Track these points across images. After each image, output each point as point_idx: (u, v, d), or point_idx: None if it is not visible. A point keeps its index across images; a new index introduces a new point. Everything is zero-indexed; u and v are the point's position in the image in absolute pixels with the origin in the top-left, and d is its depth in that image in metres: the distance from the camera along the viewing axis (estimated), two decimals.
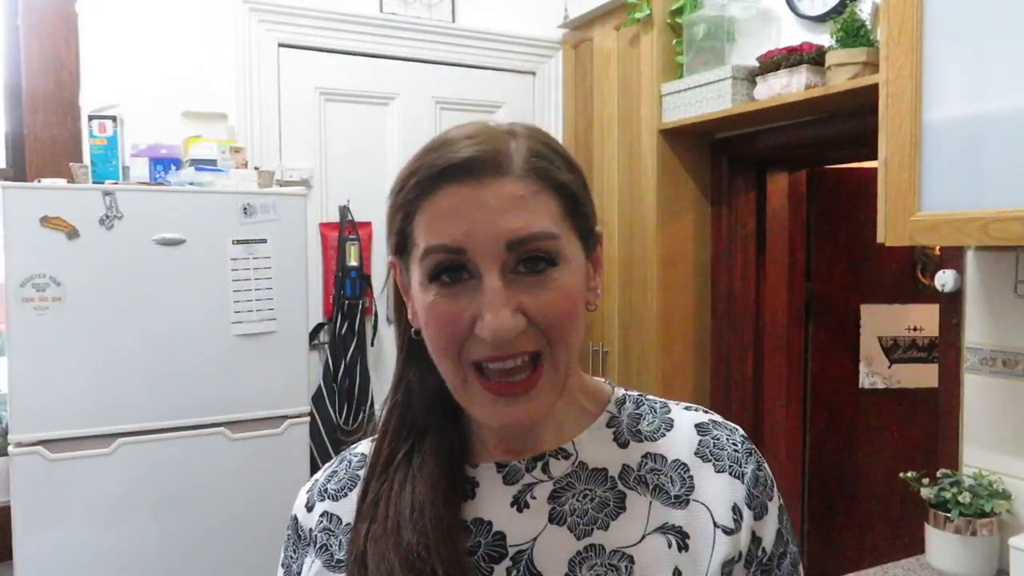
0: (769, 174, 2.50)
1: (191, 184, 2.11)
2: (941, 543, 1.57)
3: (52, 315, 1.89)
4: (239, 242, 2.09)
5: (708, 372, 2.53)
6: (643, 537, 0.62)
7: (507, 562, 0.62)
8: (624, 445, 0.67)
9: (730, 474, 0.65)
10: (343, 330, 2.56)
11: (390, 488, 0.65)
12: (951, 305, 1.73)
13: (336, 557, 0.67)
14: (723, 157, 2.46)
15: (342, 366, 2.55)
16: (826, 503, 2.74)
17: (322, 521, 0.70)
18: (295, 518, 0.73)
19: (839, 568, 2.03)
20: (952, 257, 1.72)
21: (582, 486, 0.65)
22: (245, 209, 2.10)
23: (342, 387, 2.55)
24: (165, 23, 2.39)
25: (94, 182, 2.05)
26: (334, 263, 2.58)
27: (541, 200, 0.59)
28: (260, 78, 2.51)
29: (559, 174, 0.61)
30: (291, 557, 0.73)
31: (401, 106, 2.74)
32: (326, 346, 2.58)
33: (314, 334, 2.53)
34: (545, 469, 0.66)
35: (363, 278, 2.59)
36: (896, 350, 2.71)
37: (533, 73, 2.98)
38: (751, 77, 2.14)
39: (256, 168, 2.33)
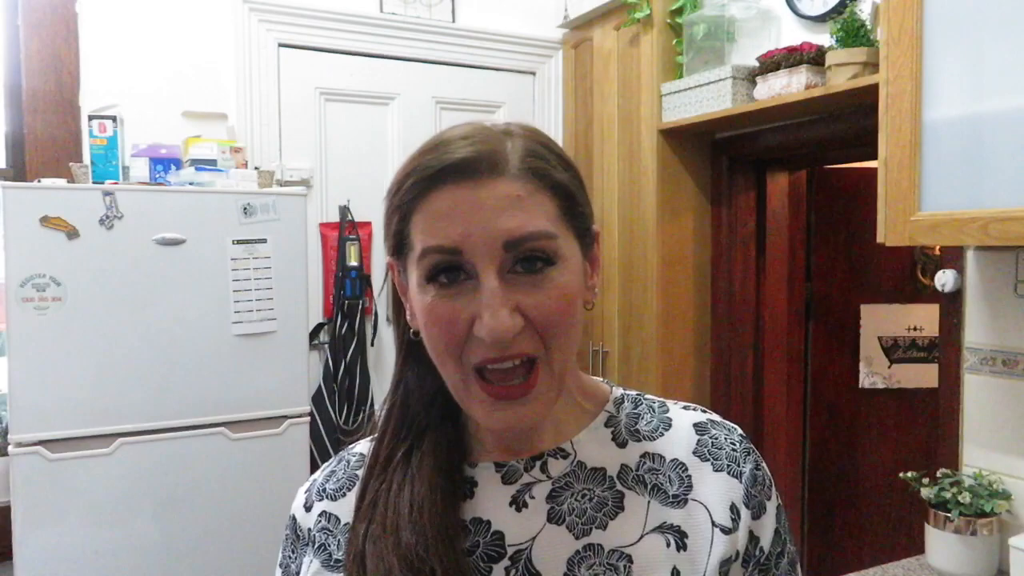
0: (769, 174, 2.49)
1: (191, 184, 2.11)
2: (941, 543, 1.57)
3: (52, 315, 1.89)
4: (239, 242, 2.09)
5: (708, 372, 2.53)
6: (641, 537, 0.62)
7: (506, 562, 0.62)
8: (623, 445, 0.67)
9: (728, 473, 0.65)
10: (343, 330, 2.56)
11: (389, 488, 0.65)
12: (951, 305, 1.73)
13: (334, 557, 0.67)
14: (723, 157, 2.46)
15: (342, 366, 2.55)
16: (826, 503, 2.74)
17: (320, 521, 0.70)
18: (293, 518, 0.73)
19: (839, 568, 2.03)
20: (952, 257, 1.72)
21: (580, 486, 0.65)
22: (245, 209, 2.10)
23: (342, 387, 2.55)
24: (165, 23, 2.39)
25: (94, 182, 2.05)
26: (334, 263, 2.58)
27: (537, 200, 0.59)
28: (260, 78, 2.51)
29: (555, 173, 0.61)
30: (289, 557, 0.73)
31: (401, 106, 2.74)
32: (326, 346, 2.58)
33: (314, 334, 2.53)
34: (544, 469, 0.66)
35: (363, 278, 2.59)
36: (896, 350, 2.71)
37: (533, 73, 2.98)
38: (751, 77, 2.14)
39: (256, 168, 2.33)
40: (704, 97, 2.23)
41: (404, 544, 0.61)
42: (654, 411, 0.70)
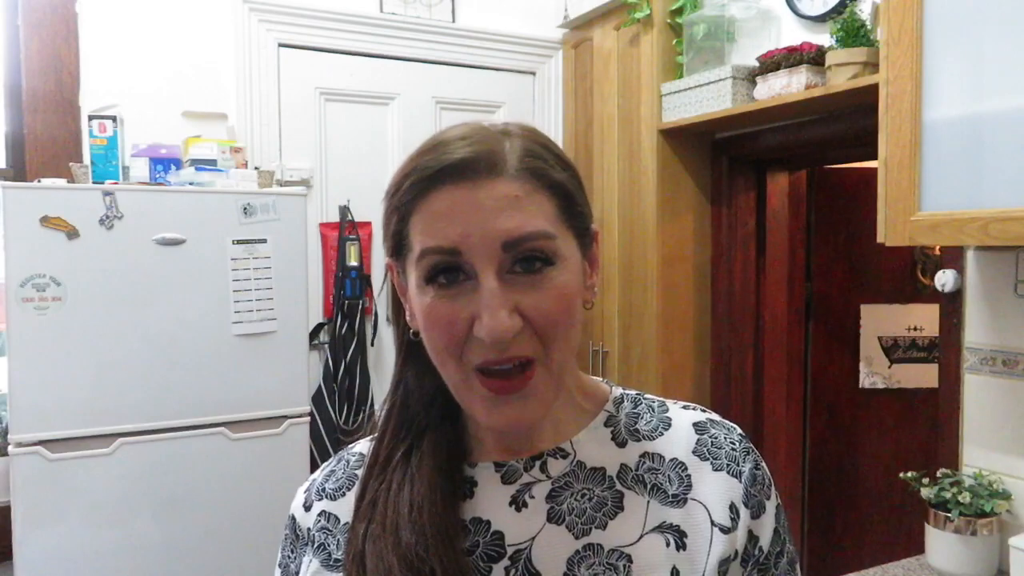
0: (769, 174, 2.50)
1: (191, 184, 2.11)
2: (941, 543, 1.57)
3: (52, 315, 1.89)
4: (239, 242, 2.09)
5: (708, 372, 2.53)
6: (641, 536, 0.62)
7: (505, 561, 0.62)
8: (622, 444, 0.67)
9: (728, 472, 0.65)
10: (343, 330, 2.56)
11: (388, 488, 0.65)
12: (951, 305, 1.73)
13: (334, 556, 0.67)
14: (723, 157, 2.46)
15: (342, 366, 2.55)
16: (826, 503, 2.73)
17: (320, 520, 0.70)
18: (292, 517, 0.73)
19: (839, 568, 2.03)
20: (952, 257, 1.72)
21: (580, 485, 0.65)
22: (245, 209, 2.10)
23: (342, 387, 2.55)
24: (165, 23, 2.40)
25: (94, 182, 2.05)
26: (334, 263, 2.58)
27: (536, 200, 0.59)
28: (260, 78, 2.51)
29: (553, 173, 0.61)
30: (288, 557, 0.73)
31: (401, 106, 2.74)
32: (326, 346, 2.58)
33: (314, 334, 2.53)
34: (543, 468, 0.66)
35: (363, 278, 2.59)
36: (896, 350, 2.71)
37: (533, 73, 2.98)
38: (751, 77, 2.13)
39: (256, 168, 2.33)
40: (704, 97, 2.23)
41: (404, 544, 0.61)
42: (653, 411, 0.70)
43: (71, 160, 2.21)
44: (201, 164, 2.20)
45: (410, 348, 0.67)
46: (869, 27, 1.85)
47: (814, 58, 1.93)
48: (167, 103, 2.39)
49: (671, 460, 0.66)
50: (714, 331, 2.51)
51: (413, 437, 0.67)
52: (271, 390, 2.15)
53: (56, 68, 2.31)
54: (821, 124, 2.11)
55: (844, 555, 2.68)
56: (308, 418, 2.23)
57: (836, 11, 1.97)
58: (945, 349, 1.75)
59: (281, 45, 2.55)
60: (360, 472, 0.69)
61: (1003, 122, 1.26)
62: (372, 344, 2.64)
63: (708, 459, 0.66)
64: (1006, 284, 1.62)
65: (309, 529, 0.70)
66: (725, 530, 0.63)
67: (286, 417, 2.18)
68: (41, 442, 1.89)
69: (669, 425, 0.69)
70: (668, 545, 0.62)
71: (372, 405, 2.58)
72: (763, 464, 0.68)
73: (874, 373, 2.70)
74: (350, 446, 0.75)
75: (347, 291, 2.55)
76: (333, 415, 2.52)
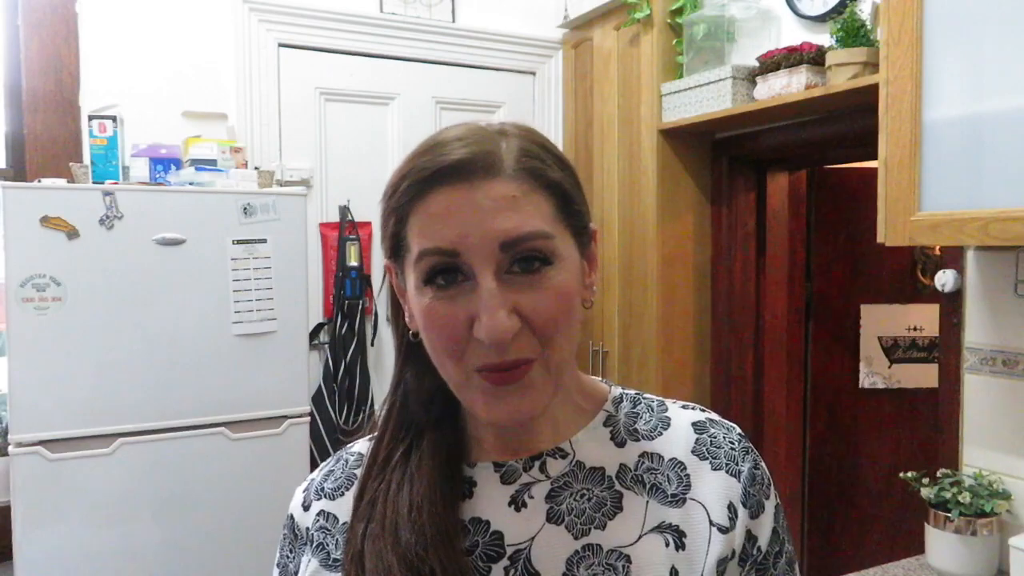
0: (769, 174, 2.49)
1: (191, 184, 2.11)
2: (941, 543, 1.57)
3: (52, 315, 1.89)
4: (239, 242, 2.09)
5: (708, 372, 2.53)
6: (640, 537, 0.62)
7: (505, 561, 0.62)
8: (621, 444, 0.67)
9: (727, 472, 0.65)
10: (343, 330, 2.56)
11: (387, 487, 0.65)
12: (951, 305, 1.73)
13: (333, 556, 0.67)
14: (723, 157, 2.45)
15: (342, 366, 2.55)
16: (826, 503, 2.73)
17: (319, 520, 0.70)
18: (291, 517, 0.73)
19: (839, 568, 2.03)
20: (952, 257, 1.72)
21: (579, 485, 0.65)
22: (245, 209, 2.10)
23: (342, 387, 2.55)
24: (165, 23, 2.40)
25: (94, 182, 2.05)
26: (334, 263, 2.58)
27: (533, 200, 0.59)
28: (260, 78, 2.51)
29: (551, 172, 0.61)
30: (287, 556, 0.72)
31: (401, 106, 2.75)
32: (326, 346, 2.58)
33: (314, 334, 2.54)
34: (543, 468, 0.66)
35: (363, 278, 2.59)
36: (896, 350, 2.71)
37: (533, 73, 2.98)
38: (751, 77, 2.13)
39: (256, 168, 2.33)
40: (704, 97, 2.23)
41: (403, 543, 0.61)
42: (653, 410, 0.70)
43: (71, 160, 2.21)
44: (201, 164, 2.20)
45: (409, 349, 0.67)
46: (869, 27, 1.85)
47: (814, 58, 1.93)
48: (167, 103, 2.39)
49: (670, 460, 0.66)
50: (714, 331, 2.51)
51: (412, 437, 0.67)
52: (271, 390, 2.15)
53: (56, 68, 2.31)
54: (821, 124, 2.11)
55: (844, 555, 2.68)
56: (308, 418, 2.24)
57: (836, 11, 1.97)
58: (945, 349, 1.75)
59: (281, 45, 2.55)
60: (359, 472, 0.69)
61: (1003, 122, 1.26)
62: (372, 344, 2.64)
63: (707, 459, 0.66)
64: (1006, 284, 1.62)
65: (308, 529, 0.70)
66: (723, 530, 0.63)
67: (286, 417, 2.18)
68: (41, 442, 1.89)
69: (668, 425, 0.69)
70: (667, 545, 0.62)
71: (372, 405, 2.58)
72: (762, 464, 0.67)
73: (874, 373, 2.70)
74: (349, 446, 0.75)
75: (347, 291, 2.55)
76: (333, 415, 2.52)
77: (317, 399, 2.51)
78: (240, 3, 2.47)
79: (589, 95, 2.75)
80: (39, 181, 1.98)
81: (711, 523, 0.63)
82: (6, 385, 1.92)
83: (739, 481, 0.65)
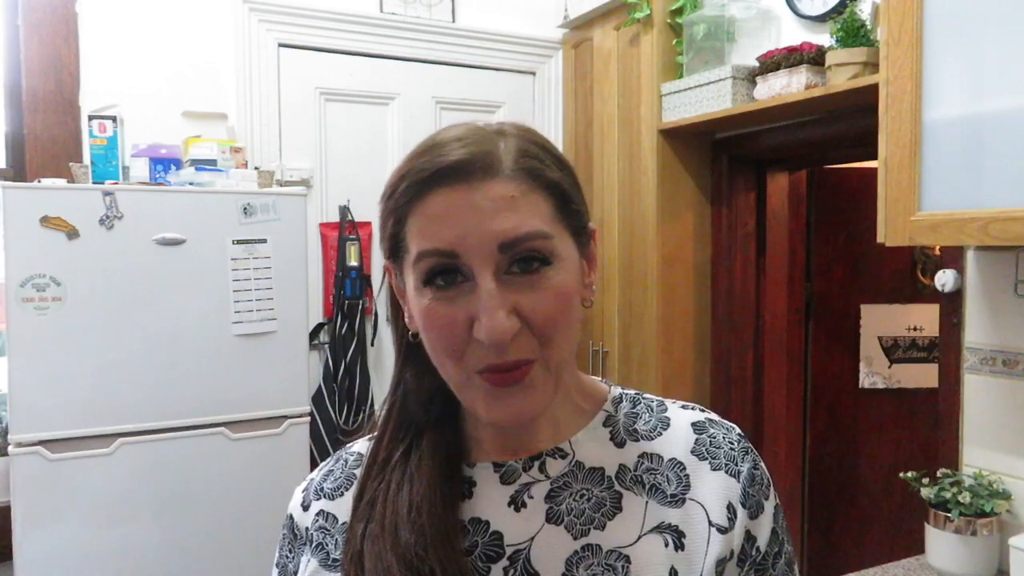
0: (769, 174, 2.49)
1: (191, 184, 2.11)
2: (941, 543, 1.57)
3: (52, 315, 1.89)
4: (239, 242, 2.09)
5: (708, 372, 2.53)
6: (639, 537, 0.62)
7: (504, 562, 0.62)
8: (621, 444, 0.67)
9: (726, 472, 0.65)
10: (343, 330, 2.56)
11: (387, 487, 0.65)
12: (951, 305, 1.73)
13: (332, 556, 0.67)
14: (723, 157, 2.45)
15: (342, 366, 2.55)
16: (826, 503, 2.73)
17: (318, 520, 0.70)
18: (291, 517, 0.73)
19: (839, 568, 2.03)
20: (952, 257, 1.72)
21: (579, 486, 0.65)
22: (245, 209, 2.10)
23: (342, 387, 2.55)
24: (165, 23, 2.40)
25: (94, 182, 2.05)
26: (334, 263, 2.58)
27: (532, 200, 0.59)
28: (260, 78, 2.51)
29: (549, 172, 0.61)
30: (287, 556, 0.72)
31: (401, 106, 2.75)
32: (326, 346, 2.58)
33: (314, 334, 2.53)
34: (542, 468, 0.66)
35: (363, 278, 2.59)
36: (896, 350, 2.71)
37: (533, 73, 2.98)
38: (751, 77, 2.13)
39: (256, 168, 2.33)
40: (704, 97, 2.23)
41: (403, 543, 0.61)
42: (652, 410, 0.70)
43: (71, 160, 2.21)
44: (201, 164, 2.20)
45: (409, 349, 0.67)
46: (869, 27, 1.85)
47: (814, 58, 1.93)
48: (167, 103, 2.39)
49: (670, 460, 0.66)
50: (714, 331, 2.51)
51: (412, 437, 0.67)
52: (271, 390, 2.15)
53: (56, 68, 2.31)
54: (821, 124, 2.11)
55: (844, 555, 2.68)
56: (308, 418, 2.23)
57: (836, 11, 1.97)
58: (945, 349, 1.75)
59: (281, 45, 2.55)
60: (358, 472, 0.69)
61: (1003, 122, 1.26)
62: (372, 344, 2.64)
63: (707, 459, 0.66)
64: (1006, 284, 1.62)
65: (307, 529, 0.70)
66: (722, 530, 0.63)
67: (286, 417, 2.18)
68: (41, 442, 1.89)
69: (668, 425, 0.69)
70: (666, 545, 0.62)
71: (372, 405, 2.58)
72: (762, 464, 0.67)
73: (874, 373, 2.70)
74: (348, 446, 0.75)
75: (347, 291, 2.55)
76: (333, 415, 2.52)
77: (317, 399, 2.51)
78: (240, 3, 2.47)
79: (589, 95, 2.75)
80: (39, 181, 1.98)
81: (710, 523, 0.63)
82: (6, 385, 1.92)
83: (738, 481, 0.65)
